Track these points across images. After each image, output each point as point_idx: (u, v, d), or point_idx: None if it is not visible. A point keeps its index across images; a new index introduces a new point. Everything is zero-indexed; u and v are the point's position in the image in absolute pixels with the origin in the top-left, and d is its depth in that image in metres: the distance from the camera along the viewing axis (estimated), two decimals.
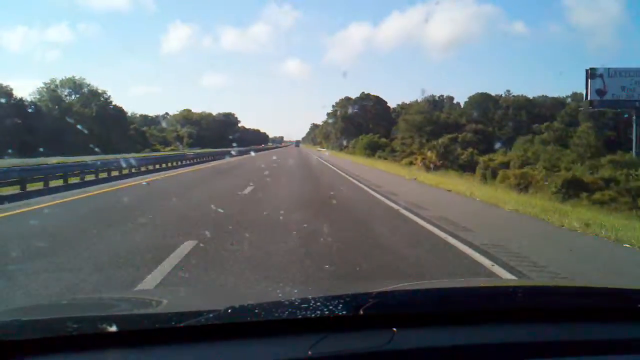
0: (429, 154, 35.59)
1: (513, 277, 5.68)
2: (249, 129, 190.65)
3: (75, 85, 67.25)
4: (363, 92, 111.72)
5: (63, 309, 2.14)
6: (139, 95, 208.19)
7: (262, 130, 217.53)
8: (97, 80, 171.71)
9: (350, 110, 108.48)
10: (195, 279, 5.34)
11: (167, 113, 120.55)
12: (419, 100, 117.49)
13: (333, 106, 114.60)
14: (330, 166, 33.56)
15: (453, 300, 1.78)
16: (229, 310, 1.48)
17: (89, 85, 69.89)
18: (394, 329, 1.48)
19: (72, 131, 52.59)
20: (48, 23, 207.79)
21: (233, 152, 56.72)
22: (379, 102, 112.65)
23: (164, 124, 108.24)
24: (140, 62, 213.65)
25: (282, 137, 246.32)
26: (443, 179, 22.12)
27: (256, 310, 1.52)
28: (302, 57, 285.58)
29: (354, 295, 1.63)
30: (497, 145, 60.35)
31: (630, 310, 1.74)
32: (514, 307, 1.70)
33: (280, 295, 2.17)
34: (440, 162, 34.25)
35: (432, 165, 33.88)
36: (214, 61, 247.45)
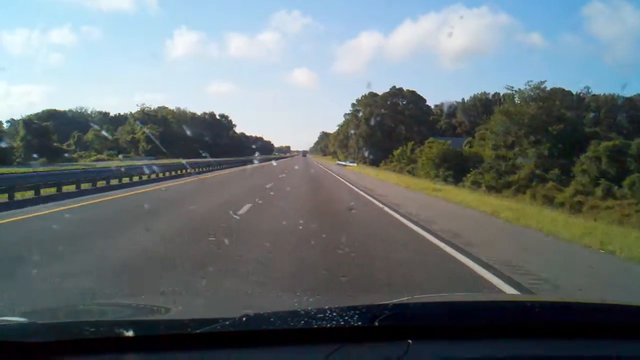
0: None
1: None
2: (251, 136, 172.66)
3: None
4: (394, 87, 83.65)
5: (80, 312, 2.16)
6: (143, 101, 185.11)
7: (265, 139, 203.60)
8: (99, 84, 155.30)
9: (377, 111, 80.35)
10: None
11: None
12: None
13: (353, 105, 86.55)
14: None
15: (469, 313, 1.76)
16: (245, 318, 1.48)
17: None
18: (409, 341, 1.48)
19: None
20: (50, 26, 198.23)
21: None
22: (415, 99, 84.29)
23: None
24: (144, 67, 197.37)
25: (289, 147, 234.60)
26: None
27: (272, 319, 1.52)
28: (310, 66, 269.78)
29: (369, 307, 1.62)
30: None
31: None
32: (529, 321, 1.67)
33: (296, 304, 2.14)
34: None
35: None
36: (220, 68, 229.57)
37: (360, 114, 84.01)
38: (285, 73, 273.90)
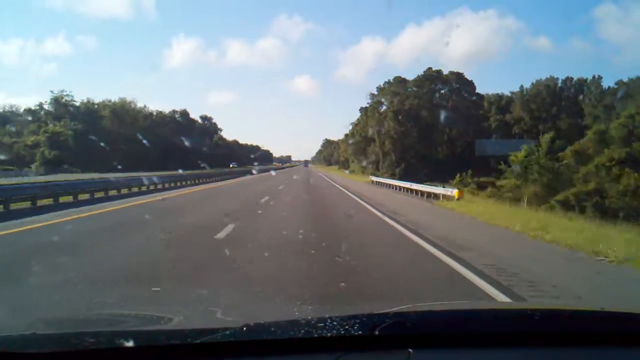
0: None
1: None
2: (246, 144, 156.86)
3: None
4: (430, 68, 59.98)
5: (80, 322, 2.15)
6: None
7: (264, 148, 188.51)
8: (96, 93, 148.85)
9: (409, 102, 56.70)
10: None
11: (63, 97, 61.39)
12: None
13: (373, 95, 62.76)
14: None
15: (469, 322, 1.74)
16: (245, 328, 1.47)
17: None
18: (410, 350, 1.47)
19: None
20: (44, 35, 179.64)
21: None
22: (462, 85, 60.62)
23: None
24: (141, 75, 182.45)
25: (289, 157, 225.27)
26: None
27: (272, 328, 1.51)
28: (311, 73, 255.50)
29: (369, 315, 1.60)
30: None
31: None
32: (530, 330, 1.65)
33: (296, 313, 2.14)
34: None
35: None
36: (219, 75, 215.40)
37: (384, 107, 60.34)
38: (286, 80, 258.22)
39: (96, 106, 58.62)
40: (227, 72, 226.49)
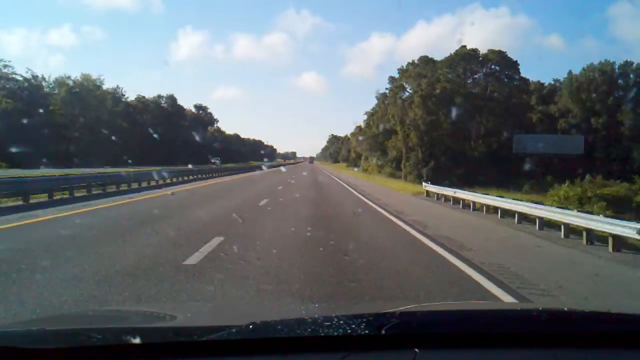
0: None
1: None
2: (248, 139, 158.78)
3: None
4: (464, 47, 49.37)
5: (87, 319, 2.16)
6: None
7: (268, 143, 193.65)
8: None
9: (440, 86, 46.28)
10: None
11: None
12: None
13: (392, 79, 52.28)
14: None
15: (476, 322, 1.73)
16: (251, 326, 1.48)
17: None
18: (416, 350, 1.47)
19: None
20: (49, 26, 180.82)
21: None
22: (505, 66, 49.94)
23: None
24: (148, 69, 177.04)
25: (294, 153, 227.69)
26: None
27: (279, 327, 1.52)
28: (318, 69, 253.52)
29: (376, 315, 1.61)
30: None
31: None
32: (536, 331, 1.64)
33: (303, 312, 2.11)
34: None
35: None
36: (225, 70, 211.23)
37: (406, 93, 49.86)
38: (292, 76, 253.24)
39: (52, 84, 48.34)
40: (233, 67, 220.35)
